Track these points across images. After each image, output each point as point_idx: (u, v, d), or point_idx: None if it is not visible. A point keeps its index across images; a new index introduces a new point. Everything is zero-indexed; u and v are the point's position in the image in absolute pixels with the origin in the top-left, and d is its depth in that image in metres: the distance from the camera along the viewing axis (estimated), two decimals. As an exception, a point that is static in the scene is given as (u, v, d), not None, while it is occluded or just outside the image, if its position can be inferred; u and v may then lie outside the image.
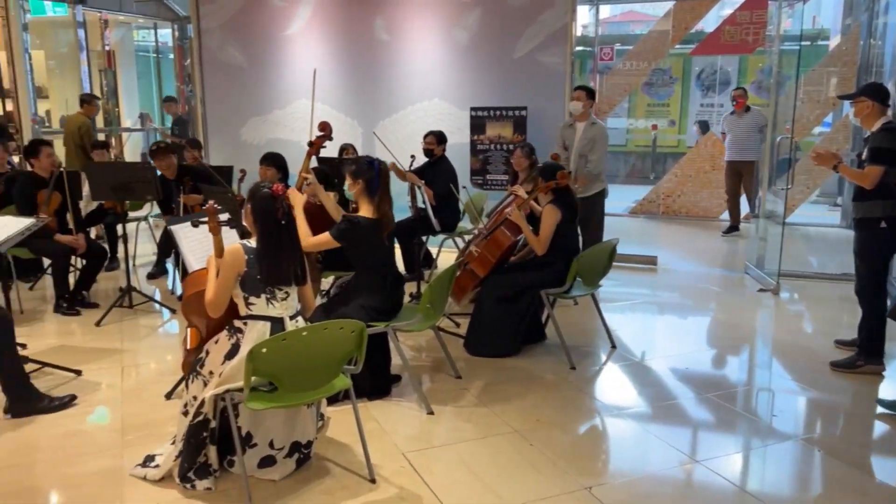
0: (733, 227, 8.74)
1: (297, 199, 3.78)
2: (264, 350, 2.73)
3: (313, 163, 4.78)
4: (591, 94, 6.03)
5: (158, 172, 5.97)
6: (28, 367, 3.98)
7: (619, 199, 10.12)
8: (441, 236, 6.30)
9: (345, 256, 3.91)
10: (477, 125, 7.21)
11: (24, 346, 4.56)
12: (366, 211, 3.79)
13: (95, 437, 3.46)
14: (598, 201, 6.11)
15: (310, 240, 3.75)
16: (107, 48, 11.19)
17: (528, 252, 4.78)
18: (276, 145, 7.76)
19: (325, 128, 4.36)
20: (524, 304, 4.54)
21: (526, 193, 4.76)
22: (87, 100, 8.76)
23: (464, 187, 6.38)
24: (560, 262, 4.48)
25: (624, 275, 6.70)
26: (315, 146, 4.38)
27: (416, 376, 4.22)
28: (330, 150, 7.41)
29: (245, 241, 3.03)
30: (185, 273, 5.78)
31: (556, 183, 4.49)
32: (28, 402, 3.68)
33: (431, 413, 3.73)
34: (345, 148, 6.68)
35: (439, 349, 4.33)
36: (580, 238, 4.96)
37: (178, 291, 5.97)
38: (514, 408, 3.81)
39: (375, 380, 3.90)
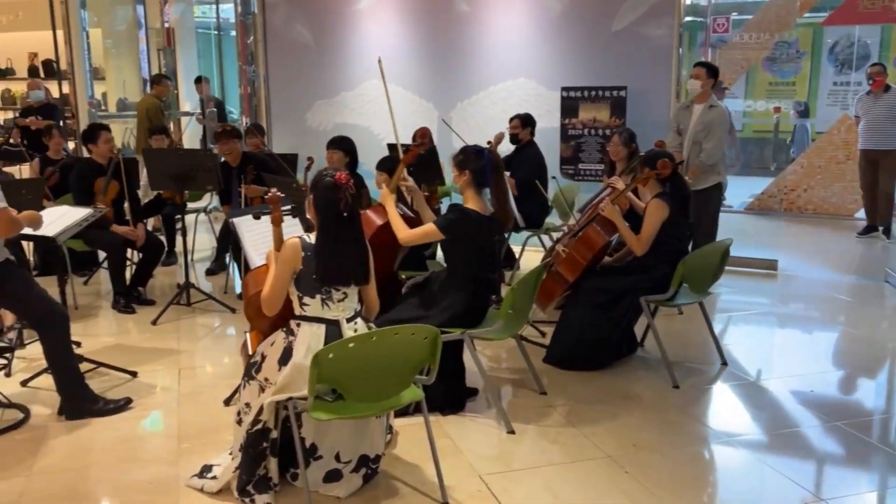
0: (871, 228, 8.35)
1: (388, 198, 3.89)
2: (331, 355, 2.80)
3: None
4: (712, 71, 5.92)
5: (222, 159, 6.18)
6: (83, 366, 4.21)
7: (735, 192, 9.84)
8: (525, 233, 6.30)
9: (419, 256, 3.99)
10: (569, 107, 7.16)
11: (78, 344, 4.82)
12: (473, 205, 3.85)
13: (150, 444, 3.64)
14: (713, 196, 5.98)
15: (410, 232, 3.85)
16: (166, 25, 11.67)
17: (626, 253, 4.72)
18: (344, 130, 7.88)
19: (425, 135, 4.30)
20: (620, 311, 4.49)
21: (625, 186, 4.71)
22: (156, 80, 9.22)
23: (553, 177, 6.35)
24: (663, 264, 4.40)
25: (738, 281, 6.55)
26: (410, 155, 4.29)
27: (495, 390, 4.24)
28: (390, 136, 7.53)
29: (304, 235, 3.10)
30: (247, 270, 6.03)
31: (657, 173, 4.41)
32: (83, 404, 3.90)
33: (512, 432, 3.74)
34: (414, 135, 6.75)
35: (521, 361, 4.33)
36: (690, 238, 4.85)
37: (238, 289, 6.19)
38: (606, 430, 3.78)
39: (449, 392, 3.94)
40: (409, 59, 8.02)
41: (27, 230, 3.84)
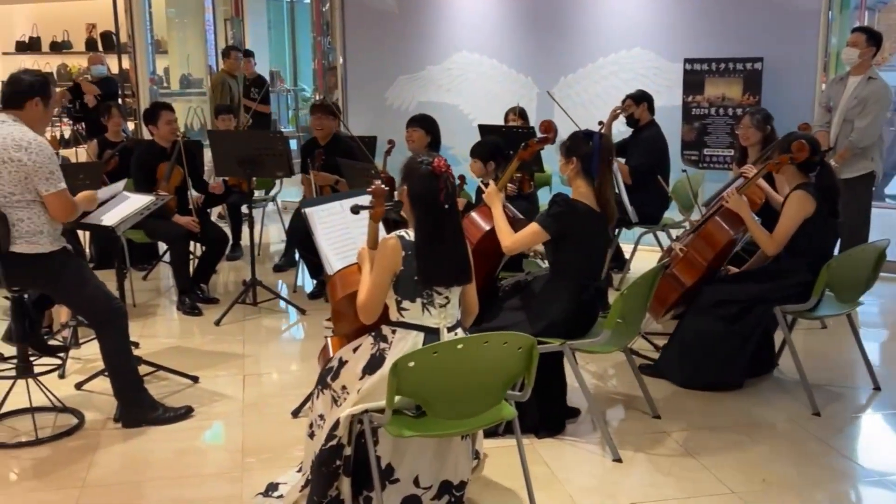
0: None
1: (496, 198, 3.93)
2: (411, 364, 2.85)
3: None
4: (873, 38, 5.78)
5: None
6: (141, 369, 4.43)
7: (891, 184, 9.49)
8: (638, 230, 6.22)
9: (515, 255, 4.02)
10: (692, 82, 7.04)
11: (136, 345, 5.06)
12: (583, 196, 3.87)
13: (212, 457, 3.80)
14: (863, 187, 5.78)
15: (515, 238, 3.86)
16: (235, -8, 12.06)
17: (762, 258, 4.60)
18: (429, 109, 7.97)
19: (549, 129, 4.24)
20: (750, 323, 4.41)
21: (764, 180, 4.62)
22: (225, 53, 9.53)
23: (684, 171, 6.17)
24: (803, 270, 4.29)
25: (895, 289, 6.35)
26: (529, 151, 4.21)
27: (599, 411, 4.23)
28: (491, 115, 7.60)
29: (402, 233, 3.14)
30: (313, 267, 6.18)
31: (791, 157, 4.30)
32: (141, 411, 4.09)
33: (618, 460, 3.73)
34: (507, 115, 6.78)
35: (632, 378, 4.30)
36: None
37: (309, 288, 6.36)
38: (731, 461, 3.72)
39: (546, 412, 3.95)
40: (505, 28, 8.04)
41: (86, 219, 4.06)
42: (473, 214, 4.17)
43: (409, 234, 3.13)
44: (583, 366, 4.80)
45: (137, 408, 4.10)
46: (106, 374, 4.18)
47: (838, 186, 4.45)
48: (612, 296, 4.52)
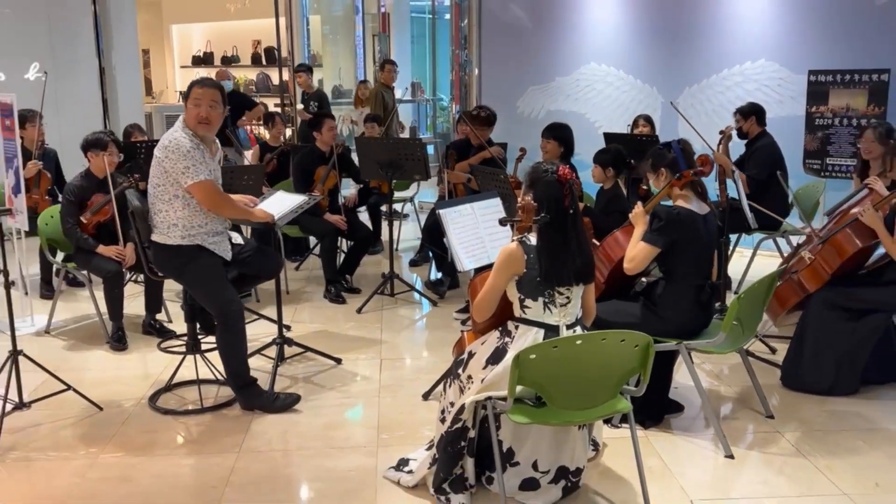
0: None
1: (641, 220, 3.86)
2: (532, 356, 2.87)
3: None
4: None
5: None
6: (290, 350, 4.62)
7: None
8: (757, 235, 6.00)
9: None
10: (816, 93, 6.71)
11: (288, 327, 5.28)
12: (684, 201, 3.81)
13: (352, 431, 3.92)
14: None
15: (633, 260, 3.78)
16: (382, 10, 12.34)
17: None
18: (557, 118, 7.92)
19: (706, 163, 4.02)
20: (869, 328, 4.20)
21: (887, 189, 4.36)
22: (380, 66, 9.76)
23: (823, 175, 5.78)
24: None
25: None
26: (683, 181, 3.89)
27: (713, 409, 4.11)
28: (616, 124, 7.47)
29: (524, 237, 3.15)
30: (439, 261, 6.26)
31: None
32: (253, 398, 4.12)
33: (731, 457, 3.63)
34: (636, 121, 6.65)
35: (746, 378, 4.17)
36: None
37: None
38: (845, 464, 3.56)
39: (650, 404, 3.88)
40: (632, 40, 7.90)
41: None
42: (618, 234, 4.11)
43: (531, 238, 3.14)
44: (699, 364, 4.69)
45: (250, 396, 4.14)
46: (261, 352, 4.36)
47: None
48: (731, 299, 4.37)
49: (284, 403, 4.16)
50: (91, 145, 5.05)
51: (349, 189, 7.36)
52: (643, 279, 4.09)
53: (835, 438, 3.81)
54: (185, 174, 3.83)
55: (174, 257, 3.98)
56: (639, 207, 3.93)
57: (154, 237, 3.98)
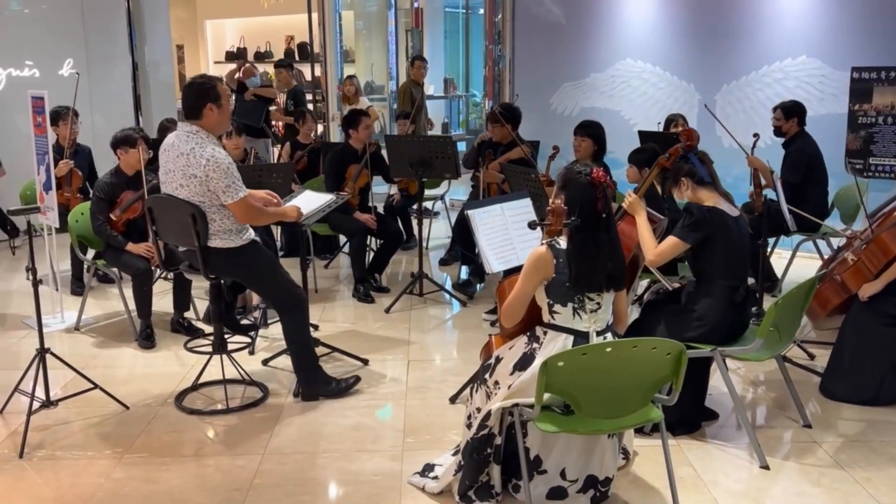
0: None
1: (639, 208, 3.82)
2: (560, 363, 2.81)
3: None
4: None
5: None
6: (318, 350, 4.59)
7: None
8: (797, 237, 5.87)
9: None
10: (860, 91, 6.53)
11: (316, 327, 5.26)
12: (712, 203, 3.75)
13: (378, 434, 3.89)
14: None
15: (658, 251, 3.74)
16: (415, 5, 12.28)
17: None
18: (591, 115, 7.81)
19: (690, 137, 3.96)
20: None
21: None
22: (410, 62, 9.73)
23: (860, 178, 5.61)
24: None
25: None
26: (671, 159, 3.98)
27: (748, 417, 4.01)
28: (652, 121, 7.34)
29: (555, 241, 3.08)
30: (470, 263, 6.21)
31: None
32: (317, 386, 4.25)
33: (766, 467, 3.54)
34: (672, 120, 6.53)
35: (783, 385, 4.06)
36: None
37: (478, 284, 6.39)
38: (885, 476, 3.46)
39: (684, 412, 3.80)
40: (669, 36, 7.77)
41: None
42: (623, 225, 4.02)
43: (561, 241, 3.07)
44: (734, 370, 4.59)
45: (314, 383, 4.26)
46: (287, 352, 4.36)
47: None
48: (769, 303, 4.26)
49: (348, 385, 4.31)
50: (120, 142, 5.07)
51: (387, 188, 7.35)
52: (669, 286, 4.01)
53: (875, 449, 3.70)
54: (225, 193, 3.85)
55: (239, 258, 4.03)
56: (632, 196, 3.87)
57: (212, 244, 3.97)
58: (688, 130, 3.88)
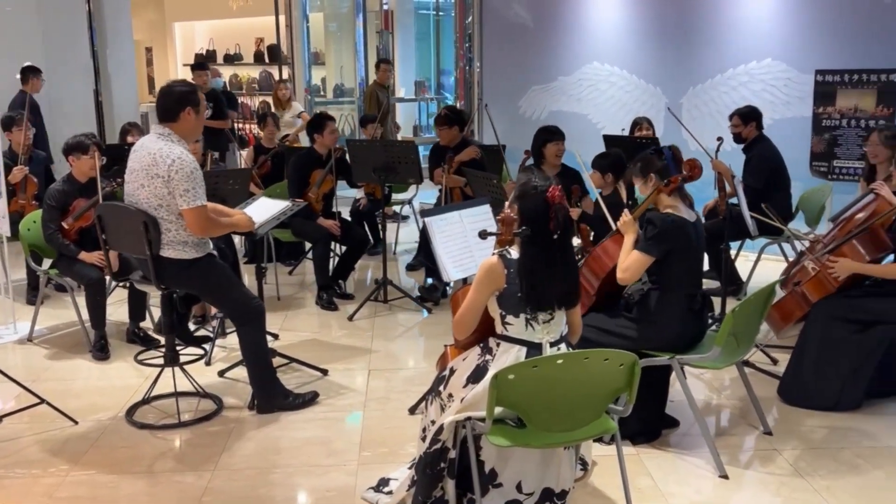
0: None
1: (630, 229, 3.74)
2: (511, 376, 2.75)
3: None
4: None
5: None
6: (276, 361, 4.51)
7: None
8: (761, 240, 5.86)
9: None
10: (824, 93, 6.58)
11: (276, 336, 5.18)
12: (671, 209, 3.70)
13: (334, 448, 3.81)
14: None
15: (627, 270, 3.66)
16: (385, 7, 12.21)
17: None
18: (559, 118, 7.83)
19: (694, 168, 3.84)
20: (872, 339, 4.06)
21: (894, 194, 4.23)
22: (376, 65, 9.69)
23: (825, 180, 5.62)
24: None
25: None
26: (671, 187, 3.75)
27: (708, 425, 3.98)
28: (619, 125, 7.33)
29: (505, 251, 3.03)
30: (432, 273, 6.15)
31: None
32: (273, 398, 4.17)
33: (725, 476, 3.51)
34: (638, 123, 6.51)
35: (743, 392, 4.03)
36: None
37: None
38: (845, 485, 3.43)
39: (645, 420, 3.77)
40: (635, 39, 7.78)
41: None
42: (608, 243, 3.98)
43: (513, 251, 3.02)
44: (698, 375, 4.57)
45: (270, 396, 4.17)
46: (244, 364, 4.27)
47: None
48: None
49: (306, 400, 4.24)
50: (72, 149, 4.96)
51: (355, 193, 7.28)
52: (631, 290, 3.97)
53: (835, 456, 3.68)
54: (183, 197, 3.77)
55: (191, 271, 3.94)
56: (626, 215, 3.80)
57: (166, 253, 3.88)
58: (691, 161, 3.81)
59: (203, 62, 9.59)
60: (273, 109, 8.88)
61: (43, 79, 7.58)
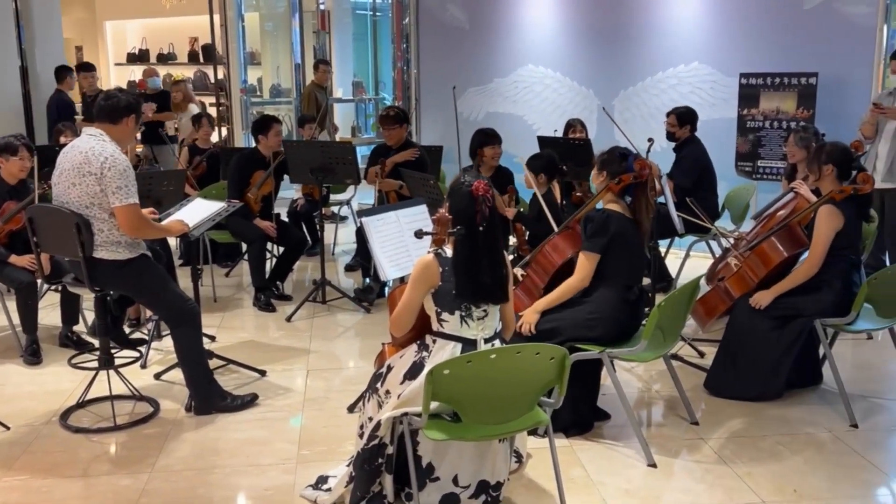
0: None
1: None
2: (446, 372, 2.83)
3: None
4: None
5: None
6: (213, 362, 4.50)
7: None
8: (690, 238, 6.05)
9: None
10: (748, 96, 6.82)
11: (213, 338, 5.16)
12: (613, 206, 3.84)
13: (272, 448, 3.83)
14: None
15: (580, 275, 3.78)
16: (321, 7, 12.17)
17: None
18: (496, 120, 7.94)
19: (644, 167, 3.85)
20: (792, 332, 4.24)
21: (812, 192, 4.42)
22: (315, 66, 9.67)
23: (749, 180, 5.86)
24: (836, 280, 4.15)
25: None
26: (621, 185, 3.85)
27: (636, 417, 4.12)
28: (554, 126, 7.47)
29: (440, 250, 3.12)
30: (365, 269, 6.19)
31: (856, 189, 4.10)
32: (211, 400, 4.17)
33: (653, 465, 3.64)
34: (571, 125, 6.66)
35: (671, 384, 4.18)
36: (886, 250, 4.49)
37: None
38: (765, 471, 3.59)
39: (577, 412, 3.89)
40: (568, 42, 7.92)
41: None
42: (558, 240, 4.11)
43: (447, 250, 3.11)
44: (629, 369, 4.71)
45: (207, 397, 4.18)
46: (179, 366, 4.26)
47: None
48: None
49: (244, 402, 4.23)
50: (1, 150, 4.87)
51: (294, 193, 7.27)
52: None
53: (756, 444, 3.84)
54: (115, 194, 3.78)
55: (125, 272, 3.93)
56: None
57: (99, 255, 3.86)
58: (641, 161, 3.93)
59: (88, 63, 9.43)
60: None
61: None
